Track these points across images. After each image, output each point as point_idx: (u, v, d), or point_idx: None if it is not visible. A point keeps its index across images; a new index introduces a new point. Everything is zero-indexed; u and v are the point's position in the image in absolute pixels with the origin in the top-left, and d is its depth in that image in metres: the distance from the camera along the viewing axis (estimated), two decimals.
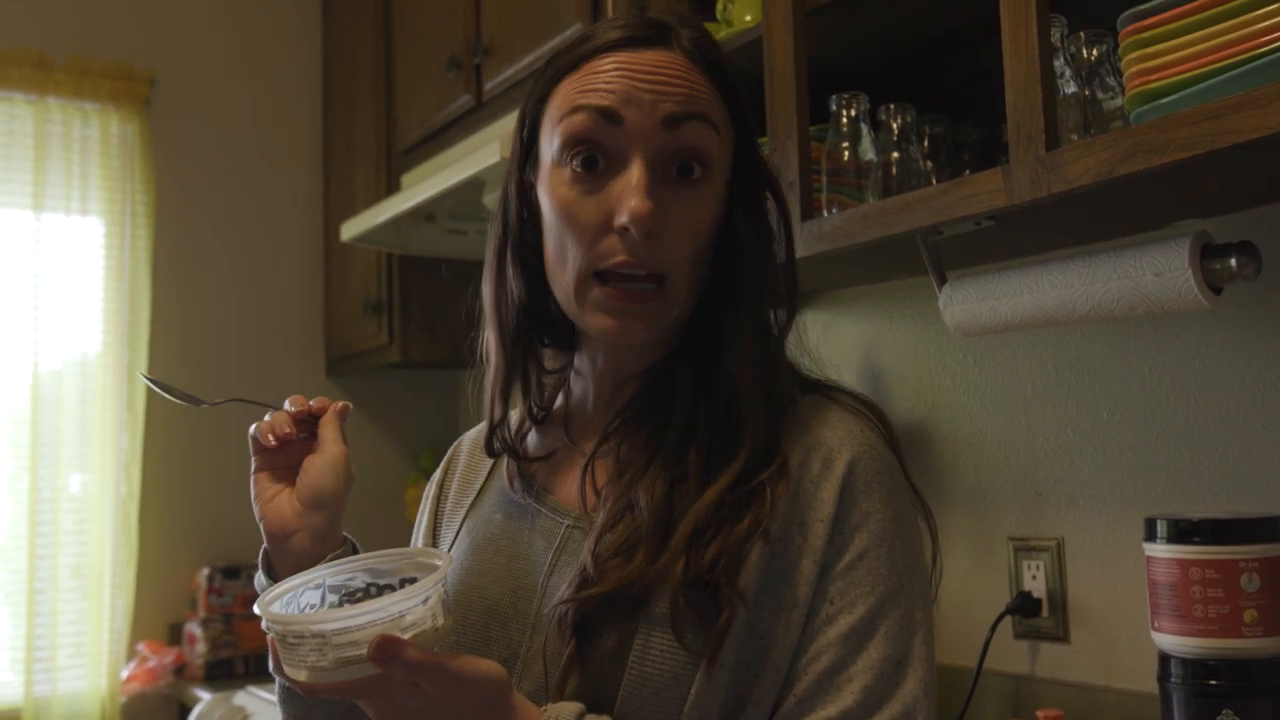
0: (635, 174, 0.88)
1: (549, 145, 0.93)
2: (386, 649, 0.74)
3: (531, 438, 1.05)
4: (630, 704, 0.83)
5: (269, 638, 0.81)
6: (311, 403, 0.98)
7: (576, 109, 0.89)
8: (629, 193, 0.87)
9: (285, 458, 0.97)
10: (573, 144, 0.90)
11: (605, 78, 0.89)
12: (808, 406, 0.93)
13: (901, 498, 0.90)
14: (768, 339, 0.93)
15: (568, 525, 0.95)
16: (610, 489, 0.92)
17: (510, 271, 0.99)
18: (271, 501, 0.96)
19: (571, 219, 0.90)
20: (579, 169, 0.90)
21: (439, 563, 0.83)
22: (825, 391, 0.96)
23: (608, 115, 0.88)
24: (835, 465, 0.88)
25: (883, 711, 0.83)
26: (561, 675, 0.85)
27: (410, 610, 0.78)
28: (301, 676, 0.78)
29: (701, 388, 0.92)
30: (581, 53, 0.92)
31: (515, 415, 1.04)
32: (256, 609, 0.81)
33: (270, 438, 0.95)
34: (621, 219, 0.87)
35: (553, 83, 0.94)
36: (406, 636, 0.77)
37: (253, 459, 0.98)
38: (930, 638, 0.88)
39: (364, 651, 0.75)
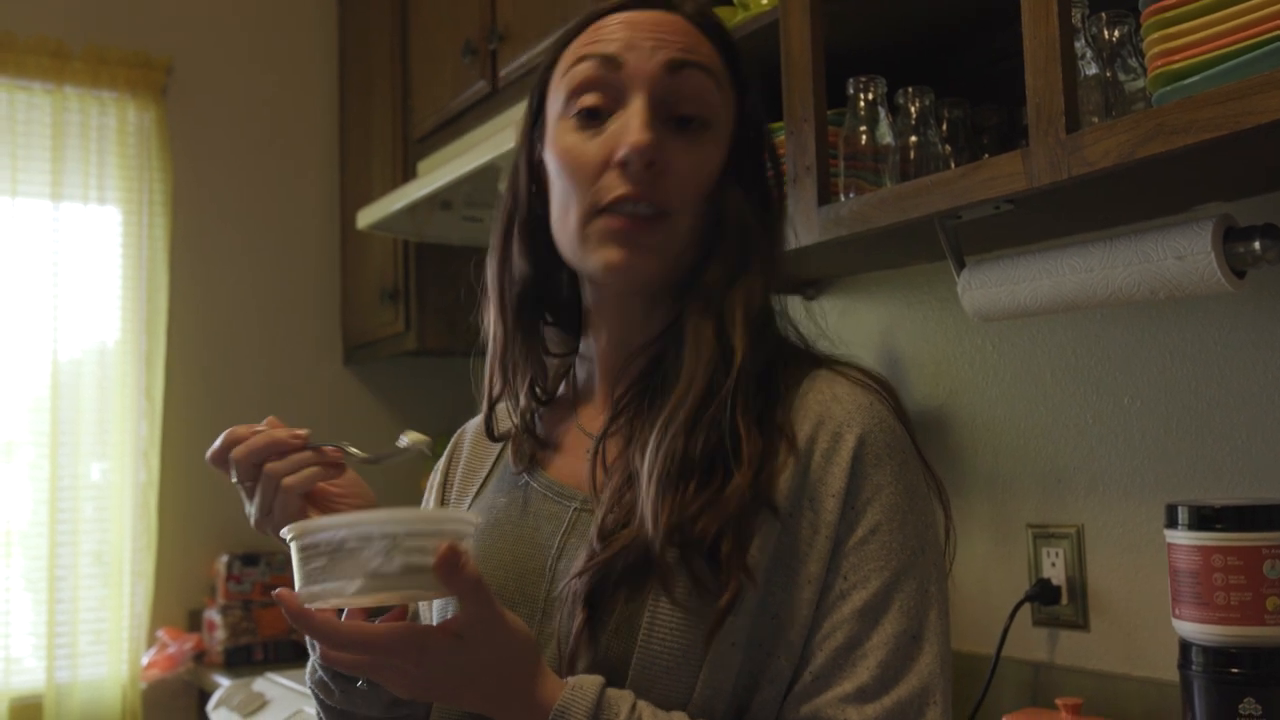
0: (636, 107, 0.90)
1: (555, 102, 0.95)
2: (454, 559, 0.74)
3: (537, 422, 1.04)
4: (641, 682, 0.83)
5: (277, 590, 0.77)
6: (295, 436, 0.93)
7: (580, 59, 0.92)
8: (629, 127, 0.89)
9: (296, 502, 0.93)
10: (576, 92, 0.92)
11: (607, 31, 0.93)
12: (816, 381, 0.92)
13: (913, 471, 0.90)
14: (761, 299, 0.93)
15: (575, 508, 0.95)
16: (616, 465, 0.92)
17: (516, 247, 0.99)
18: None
19: (574, 161, 0.91)
20: (583, 117, 0.92)
21: (469, 516, 0.82)
22: (833, 366, 0.95)
23: (609, 61, 0.91)
24: (845, 439, 0.87)
25: (900, 686, 0.82)
26: (571, 652, 0.85)
27: (467, 536, 0.78)
28: (354, 587, 0.75)
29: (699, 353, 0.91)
30: (585, 19, 0.96)
31: (521, 400, 1.03)
32: (287, 533, 0.78)
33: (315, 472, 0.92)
34: (621, 152, 0.88)
35: (559, 49, 0.97)
36: None
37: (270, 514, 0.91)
38: (945, 612, 0.88)
39: (430, 561, 0.74)
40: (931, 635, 0.85)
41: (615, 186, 0.89)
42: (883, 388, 0.93)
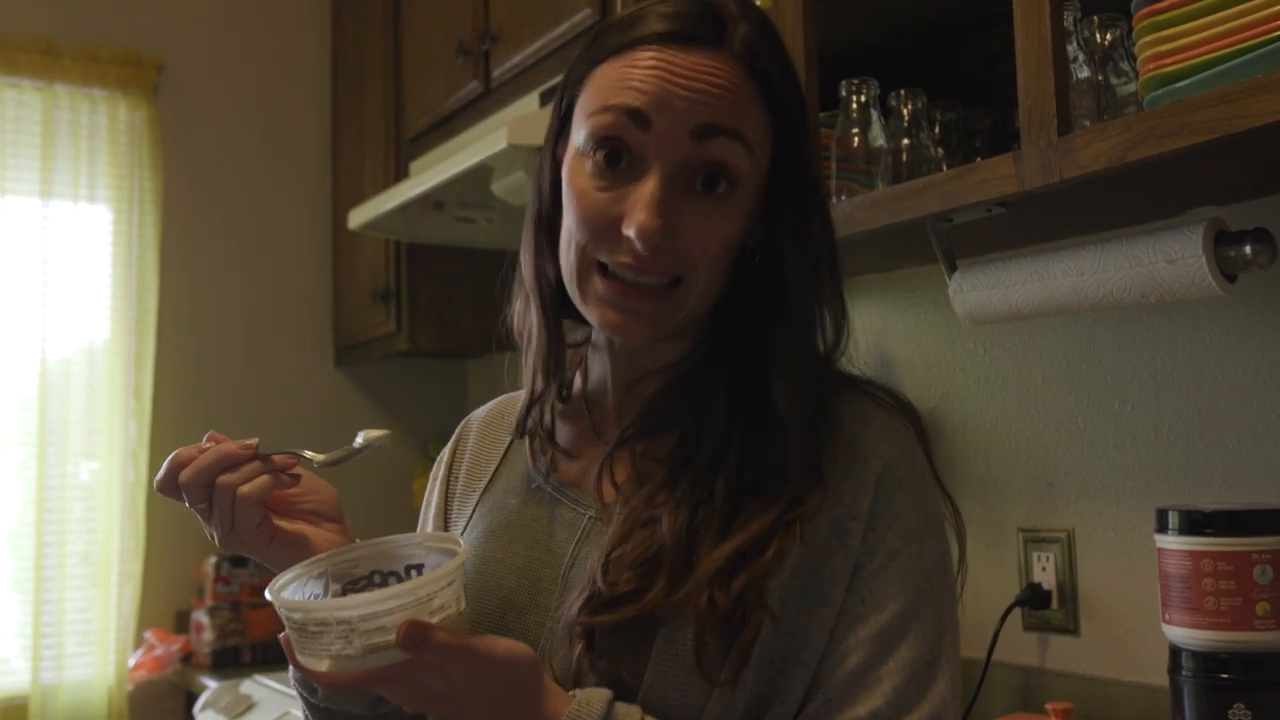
0: (650, 186, 0.85)
1: (578, 132, 0.90)
2: (416, 634, 0.74)
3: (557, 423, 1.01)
4: (651, 699, 0.82)
5: (283, 633, 0.78)
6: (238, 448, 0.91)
7: (607, 108, 0.87)
8: (640, 205, 0.84)
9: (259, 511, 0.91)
10: (597, 140, 0.87)
11: (640, 74, 0.86)
12: (842, 403, 0.91)
13: (933, 496, 0.90)
14: (816, 364, 0.90)
15: (590, 516, 0.93)
16: (630, 495, 0.89)
17: (546, 244, 0.96)
18: (309, 532, 0.93)
19: (584, 210, 0.88)
20: (600, 163, 0.87)
21: (454, 547, 0.82)
22: (859, 387, 0.94)
23: (636, 117, 0.85)
24: (870, 463, 0.87)
25: (913, 713, 0.82)
26: (575, 673, 0.84)
27: (438, 593, 0.77)
28: (323, 666, 0.76)
29: (739, 410, 0.90)
30: (627, 39, 0.89)
31: (549, 400, 1.00)
32: (268, 595, 0.79)
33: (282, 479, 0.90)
34: (629, 230, 0.85)
35: (593, 64, 0.91)
36: (434, 620, 0.76)
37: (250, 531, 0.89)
38: (957, 639, 0.87)
39: (392, 637, 0.74)
40: (946, 662, 0.84)
41: (619, 250, 0.86)
42: (905, 410, 0.93)
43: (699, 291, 0.89)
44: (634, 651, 0.83)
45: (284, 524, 0.91)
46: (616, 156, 0.87)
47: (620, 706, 0.81)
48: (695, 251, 0.87)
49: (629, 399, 0.95)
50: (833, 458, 0.87)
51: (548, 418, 0.99)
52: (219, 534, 0.89)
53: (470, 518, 1.02)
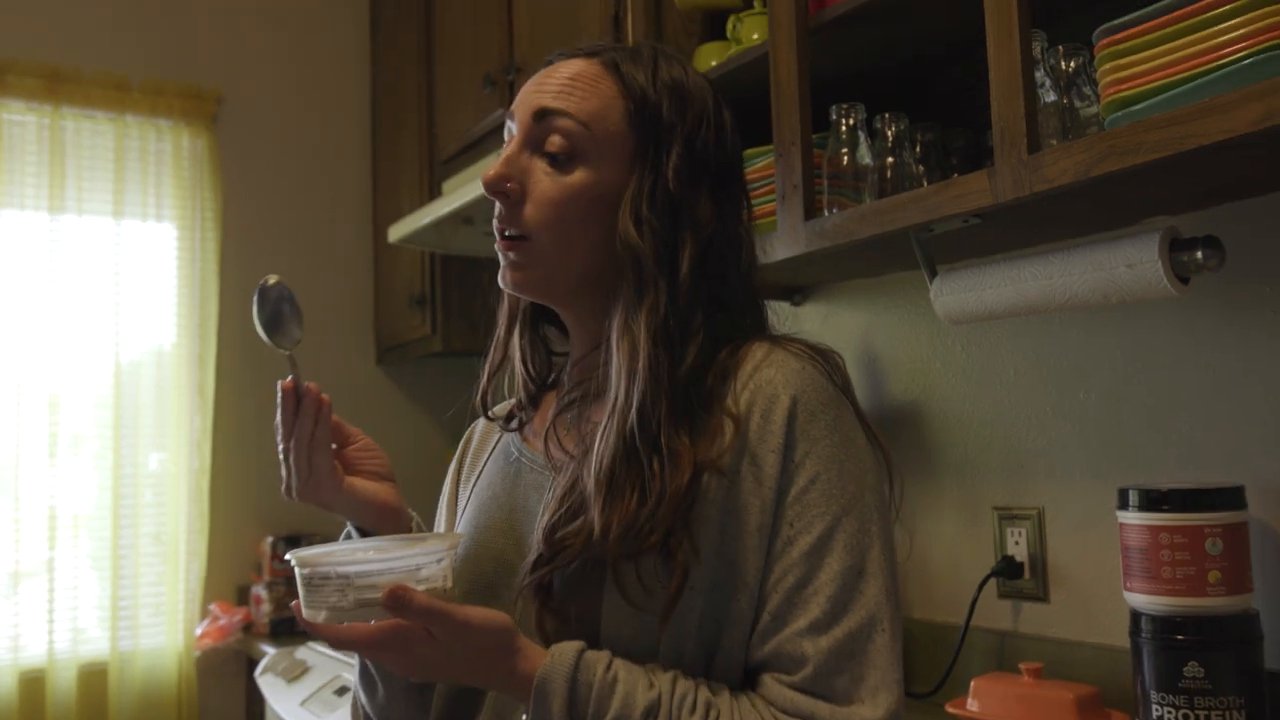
0: (506, 149, 0.94)
1: None
2: (398, 595, 0.77)
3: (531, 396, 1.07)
4: (610, 638, 0.85)
5: (294, 601, 0.82)
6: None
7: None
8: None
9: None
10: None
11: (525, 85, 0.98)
12: (755, 355, 0.91)
13: (848, 425, 0.89)
14: (649, 327, 0.89)
15: (553, 479, 0.96)
16: (572, 456, 0.92)
17: None
18: (372, 487, 0.99)
19: None
20: None
21: (452, 538, 0.85)
22: (777, 341, 0.94)
23: (511, 116, 0.97)
24: (780, 401, 0.87)
25: (849, 617, 0.82)
26: (538, 621, 0.86)
27: (425, 565, 0.81)
28: (320, 617, 0.79)
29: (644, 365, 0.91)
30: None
31: (520, 376, 1.06)
32: (288, 555, 0.83)
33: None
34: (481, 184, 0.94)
35: None
36: (420, 589, 0.79)
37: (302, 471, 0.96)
38: (890, 548, 0.87)
39: (380, 595, 0.78)
40: (875, 569, 0.84)
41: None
42: (821, 356, 0.92)
43: (551, 243, 0.93)
44: (588, 596, 0.85)
45: (354, 479, 0.98)
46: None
47: (590, 654, 0.82)
48: (539, 208, 0.92)
49: (568, 383, 0.99)
50: (746, 401, 0.87)
51: (528, 389, 1.05)
52: (297, 483, 0.95)
53: (469, 497, 1.06)
